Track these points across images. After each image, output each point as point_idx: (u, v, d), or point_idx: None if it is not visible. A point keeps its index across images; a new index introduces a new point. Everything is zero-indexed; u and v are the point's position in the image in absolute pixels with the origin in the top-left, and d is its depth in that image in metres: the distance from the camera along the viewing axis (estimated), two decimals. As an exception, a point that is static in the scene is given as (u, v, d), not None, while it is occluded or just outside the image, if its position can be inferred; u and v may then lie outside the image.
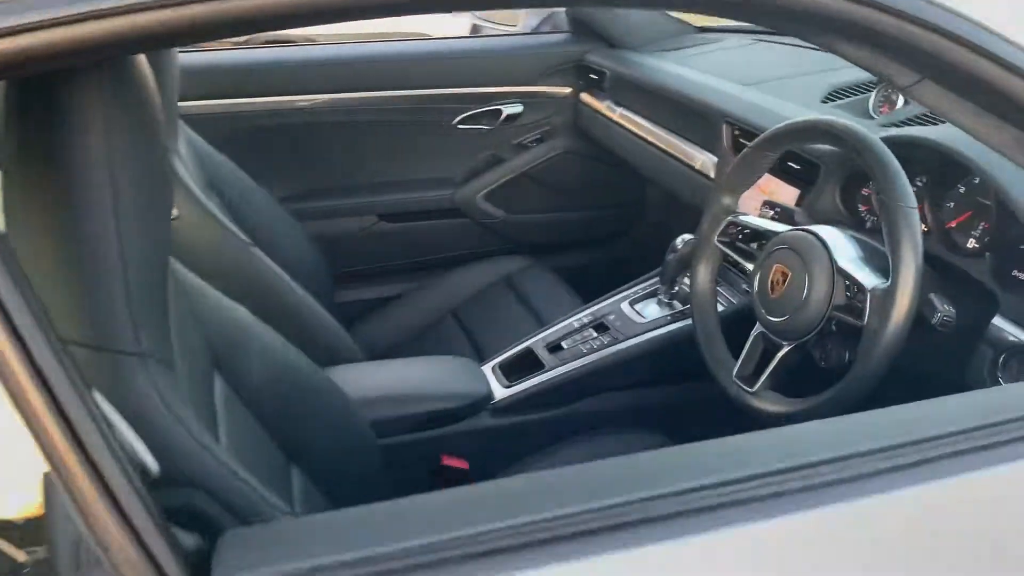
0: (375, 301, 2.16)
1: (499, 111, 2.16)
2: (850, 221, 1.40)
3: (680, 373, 1.60)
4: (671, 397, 1.61)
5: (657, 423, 1.58)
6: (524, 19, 2.37)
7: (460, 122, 2.15)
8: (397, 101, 2.07)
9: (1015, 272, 1.13)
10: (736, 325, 1.34)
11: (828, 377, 1.15)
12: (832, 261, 1.11)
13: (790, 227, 1.22)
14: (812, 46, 1.96)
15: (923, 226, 1.30)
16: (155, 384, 0.75)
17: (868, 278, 1.06)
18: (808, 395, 1.14)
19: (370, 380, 1.43)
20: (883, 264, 1.16)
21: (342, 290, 2.14)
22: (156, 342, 0.77)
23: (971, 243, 1.23)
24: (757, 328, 1.23)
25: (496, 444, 1.52)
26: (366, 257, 2.19)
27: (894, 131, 1.26)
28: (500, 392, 1.53)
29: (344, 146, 2.11)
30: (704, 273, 1.34)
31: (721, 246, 1.32)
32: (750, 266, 1.27)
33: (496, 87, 2.14)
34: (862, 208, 1.40)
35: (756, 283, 1.22)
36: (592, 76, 2.15)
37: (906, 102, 1.54)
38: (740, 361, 1.24)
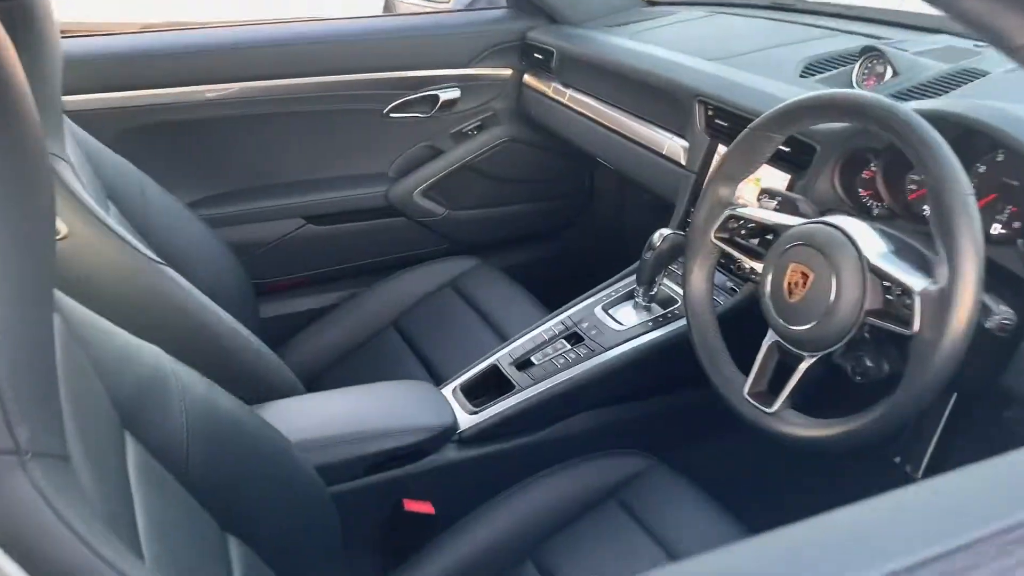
0: (304, 315, 1.93)
1: (435, 97, 1.95)
2: (853, 208, 1.25)
3: (666, 383, 1.44)
4: (656, 409, 1.45)
5: (643, 441, 1.41)
6: (456, -6, 2.17)
7: (392, 111, 1.93)
8: (319, 89, 1.83)
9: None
10: (731, 329, 1.18)
11: (857, 392, 1.00)
12: (863, 259, 0.96)
13: (803, 220, 1.05)
14: (774, 17, 1.84)
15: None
16: (39, 487, 0.54)
17: (913, 278, 0.90)
18: (829, 413, 0.98)
19: (315, 418, 1.21)
20: (920, 260, 1.01)
21: (266, 304, 1.91)
22: (39, 430, 0.55)
23: (997, 229, 1.09)
24: (770, 337, 1.07)
25: (463, 480, 1.32)
26: (292, 266, 1.95)
27: (914, 104, 1.11)
28: (465, 420, 1.33)
29: (261, 142, 1.86)
30: (700, 276, 1.17)
31: (719, 243, 1.15)
32: (755, 265, 1.10)
33: (430, 70, 1.93)
34: (863, 193, 1.25)
35: (768, 286, 1.06)
36: (537, 55, 1.96)
37: (895, 73, 1.41)
38: (752, 377, 1.08)
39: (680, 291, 1.43)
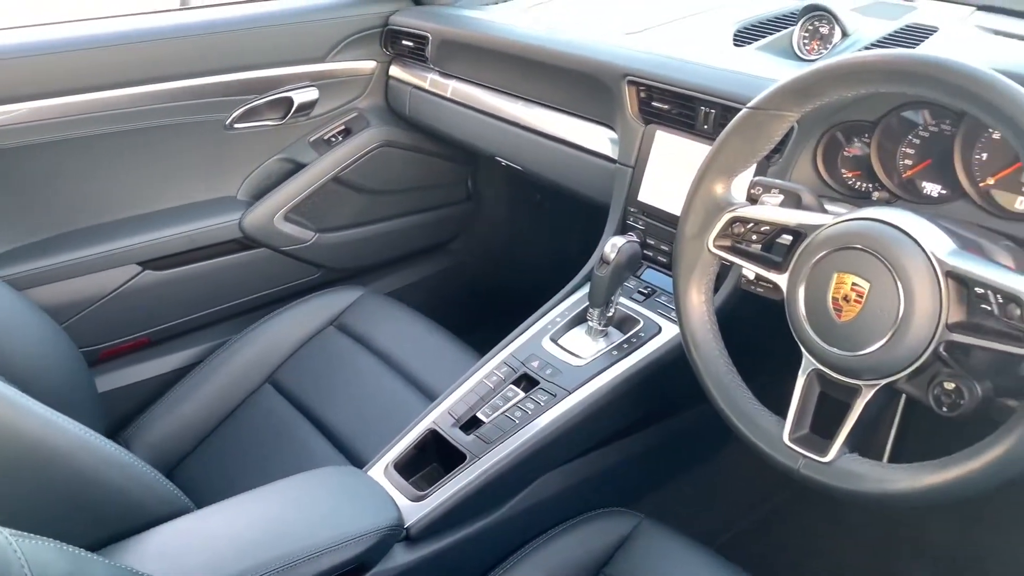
0: (153, 384, 1.55)
1: (288, 100, 1.62)
2: (843, 194, 1.07)
3: (643, 419, 1.21)
4: (634, 451, 1.22)
5: (624, 491, 1.18)
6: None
7: (236, 120, 1.58)
8: (141, 101, 1.45)
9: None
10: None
11: (945, 426, 0.80)
12: (934, 261, 0.76)
13: (838, 217, 0.84)
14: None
15: (938, 188, 1.00)
16: None
17: (1017, 281, 0.71)
18: (923, 457, 0.78)
19: (218, 547, 0.88)
20: (981, 244, 0.83)
21: (103, 376, 1.52)
22: None
23: (1021, 204, 0.94)
24: (808, 366, 0.85)
25: (421, 588, 1.03)
26: (131, 324, 1.56)
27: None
28: (411, 510, 1.04)
29: (72, 175, 1.45)
30: (698, 297, 0.94)
31: (720, 253, 0.92)
32: (774, 277, 0.88)
33: (279, 69, 1.59)
34: (848, 174, 1.07)
35: (802, 304, 0.84)
36: (406, 43, 1.67)
37: (844, 34, 1.24)
38: (791, 418, 0.86)
39: (640, 309, 1.21)
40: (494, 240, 2.01)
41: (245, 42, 1.55)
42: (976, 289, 0.73)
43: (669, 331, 1.16)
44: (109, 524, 0.89)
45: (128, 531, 0.89)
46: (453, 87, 1.60)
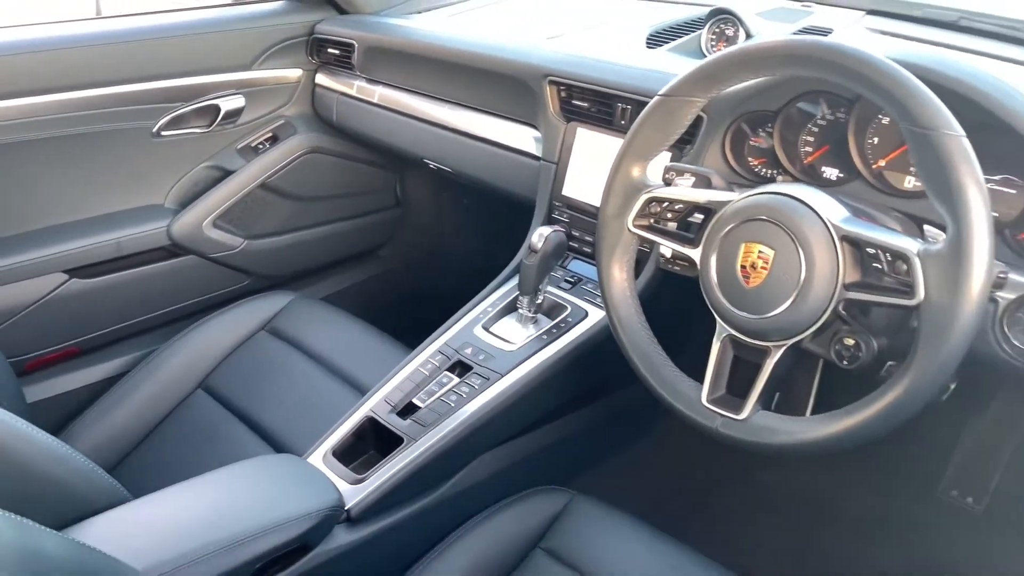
0: (84, 392, 1.53)
1: (214, 108, 1.63)
2: (749, 180, 1.14)
3: (572, 401, 1.26)
4: (565, 432, 1.27)
5: (556, 470, 1.23)
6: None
7: (163, 128, 1.58)
8: (67, 108, 1.45)
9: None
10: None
11: (851, 380, 0.88)
12: (830, 226, 0.83)
13: (743, 193, 0.91)
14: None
15: (835, 171, 1.09)
16: None
17: (902, 240, 0.79)
18: (825, 408, 0.85)
19: (161, 530, 0.90)
20: (874, 215, 0.91)
21: (32, 387, 1.49)
22: None
23: (909, 183, 1.03)
24: (722, 331, 0.92)
25: (362, 568, 1.06)
26: (59, 333, 1.54)
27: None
28: (350, 492, 1.06)
29: (-6, 181, 1.44)
30: (620, 274, 1.00)
31: (639, 232, 0.98)
32: (688, 251, 0.95)
33: (205, 76, 1.61)
34: (755, 162, 1.15)
35: (714, 272, 0.91)
36: (332, 51, 1.70)
37: (748, 36, 1.33)
38: (708, 381, 0.92)
39: (567, 296, 1.26)
40: (423, 245, 2.05)
41: (171, 50, 1.56)
42: (868, 250, 0.81)
43: (595, 316, 1.21)
44: (49, 515, 0.89)
45: (69, 521, 0.89)
46: (380, 93, 1.64)
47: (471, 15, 1.64)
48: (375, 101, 1.65)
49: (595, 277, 1.16)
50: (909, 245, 0.78)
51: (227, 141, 1.69)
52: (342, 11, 1.75)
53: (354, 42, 1.65)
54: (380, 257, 2.03)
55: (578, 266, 1.32)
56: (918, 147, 0.77)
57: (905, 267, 0.78)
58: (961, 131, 0.75)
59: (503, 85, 1.39)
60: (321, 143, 1.78)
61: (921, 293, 0.76)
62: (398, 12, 1.72)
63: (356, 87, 1.68)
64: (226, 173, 1.70)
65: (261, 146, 1.73)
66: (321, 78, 1.76)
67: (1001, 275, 0.80)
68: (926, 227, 0.85)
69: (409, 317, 1.85)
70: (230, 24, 1.65)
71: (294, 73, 1.74)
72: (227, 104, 1.65)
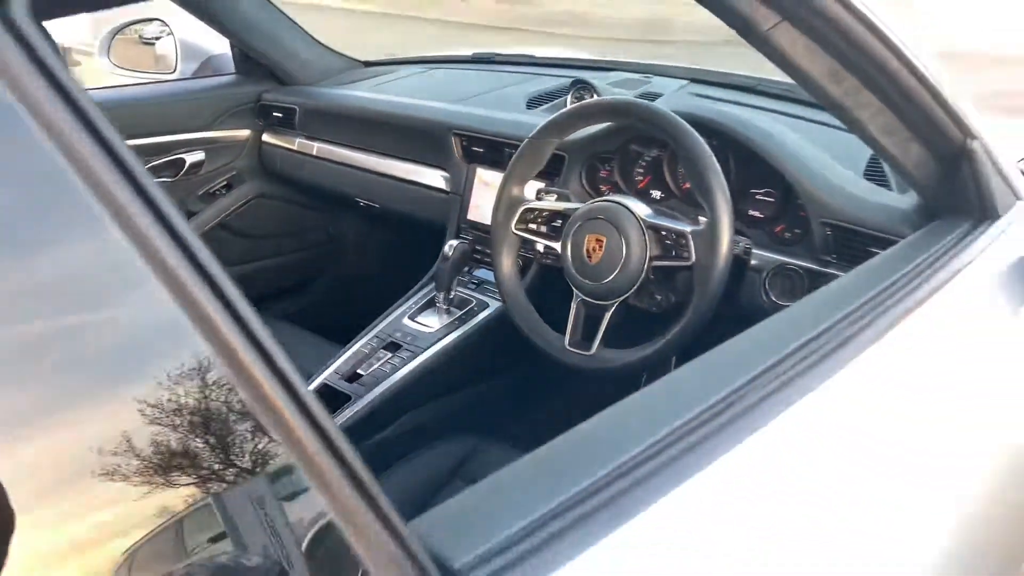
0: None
1: (180, 161, 1.99)
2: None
3: (476, 373, 1.64)
4: (476, 396, 1.64)
5: (469, 424, 1.60)
6: (180, 65, 2.20)
7: (139, 177, 1.93)
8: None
9: (750, 212, 1.40)
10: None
11: (658, 321, 1.30)
12: (640, 220, 1.26)
13: (586, 203, 1.34)
14: (480, 68, 2.17)
15: (659, 192, 1.53)
16: None
17: (681, 225, 1.23)
18: (643, 342, 1.27)
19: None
20: (674, 209, 1.35)
21: None
22: None
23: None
24: (576, 297, 1.34)
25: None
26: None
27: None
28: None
29: None
30: (508, 263, 1.41)
31: (520, 233, 1.40)
32: (552, 245, 1.37)
33: (173, 135, 1.97)
34: (604, 188, 1.59)
35: (570, 257, 1.33)
36: (276, 114, 2.09)
37: (600, 99, 1.78)
38: (568, 331, 1.33)
39: (473, 294, 1.67)
40: (353, 275, 2.42)
41: (146, 113, 1.92)
42: (663, 233, 1.25)
43: (493, 307, 1.62)
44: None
45: None
46: (318, 147, 2.03)
47: (389, 86, 2.06)
48: (314, 154, 2.04)
49: (493, 279, 1.57)
50: (685, 227, 1.22)
51: (191, 188, 2.04)
52: (283, 83, 2.15)
53: (296, 107, 2.04)
54: (314, 289, 2.38)
55: (481, 272, 1.72)
56: (687, 165, 1.22)
57: (684, 241, 1.22)
58: (711, 154, 1.20)
59: (418, 138, 1.81)
60: (267, 189, 2.16)
61: (693, 257, 1.20)
62: (330, 84, 2.13)
63: (297, 143, 2.07)
64: (190, 214, 2.05)
65: (218, 192, 2.09)
66: (267, 136, 2.14)
67: (747, 247, 1.25)
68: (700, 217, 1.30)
69: (339, 339, 2.21)
70: (192, 93, 2.03)
71: (244, 132, 2.12)
72: (190, 158, 2.01)
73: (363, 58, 2.30)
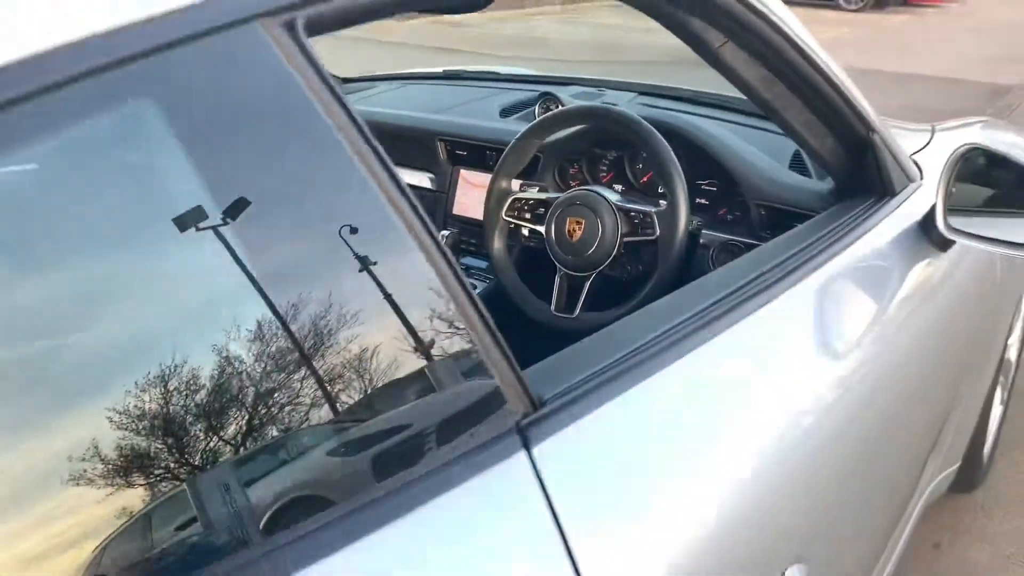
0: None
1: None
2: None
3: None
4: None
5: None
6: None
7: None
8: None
9: (698, 199, 1.69)
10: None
11: (629, 287, 1.57)
12: (611, 203, 1.54)
13: (565, 192, 1.61)
14: (453, 83, 2.43)
15: (620, 186, 1.81)
16: None
17: (646, 206, 1.50)
18: (617, 305, 1.54)
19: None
20: (637, 197, 1.63)
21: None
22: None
23: (661, 189, 1.76)
24: (560, 271, 1.60)
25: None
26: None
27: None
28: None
29: None
30: (499, 244, 1.67)
31: (509, 219, 1.66)
32: (538, 227, 1.63)
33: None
34: (573, 183, 1.86)
35: (553, 236, 1.59)
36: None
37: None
38: (554, 300, 1.59)
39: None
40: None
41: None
42: (632, 214, 1.52)
43: (481, 287, 1.87)
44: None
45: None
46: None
47: (376, 99, 2.30)
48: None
49: (480, 265, 1.82)
50: (650, 208, 1.50)
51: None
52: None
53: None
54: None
55: (468, 260, 1.98)
56: (651, 159, 1.50)
57: (649, 220, 1.49)
58: (670, 148, 1.48)
59: (406, 143, 2.06)
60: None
61: (657, 232, 1.48)
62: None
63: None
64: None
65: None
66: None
67: (699, 224, 1.54)
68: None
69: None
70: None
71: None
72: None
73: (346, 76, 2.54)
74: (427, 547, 0.64)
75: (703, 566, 0.82)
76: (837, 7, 15.86)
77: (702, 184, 1.68)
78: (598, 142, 1.79)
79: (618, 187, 1.79)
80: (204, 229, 0.56)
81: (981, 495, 2.21)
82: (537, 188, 1.69)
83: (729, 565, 0.87)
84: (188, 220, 0.56)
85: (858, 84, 1.30)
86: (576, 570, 0.68)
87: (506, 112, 2.11)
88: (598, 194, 1.55)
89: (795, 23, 1.14)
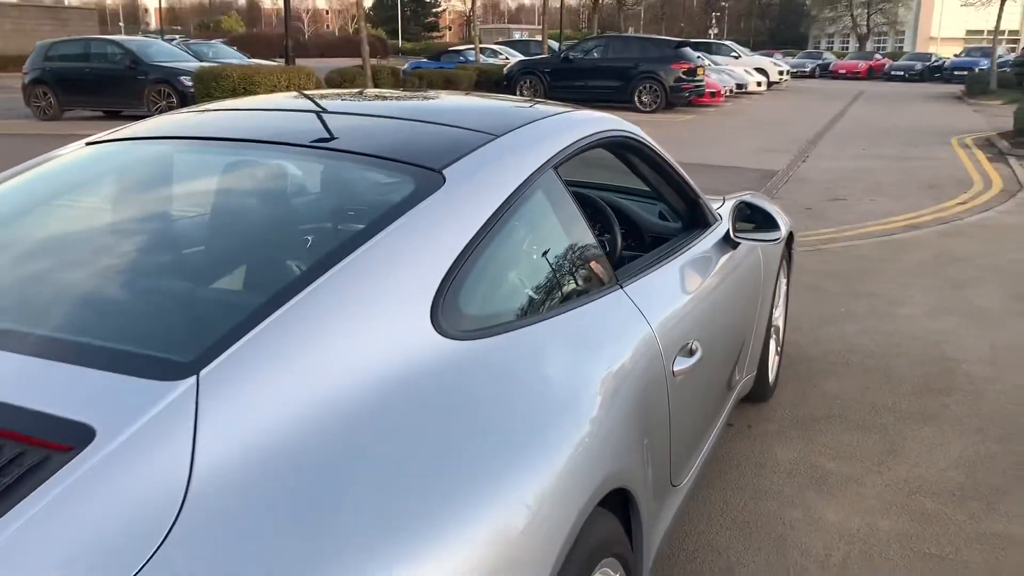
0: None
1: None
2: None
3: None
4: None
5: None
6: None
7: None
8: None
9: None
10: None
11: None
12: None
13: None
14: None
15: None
16: None
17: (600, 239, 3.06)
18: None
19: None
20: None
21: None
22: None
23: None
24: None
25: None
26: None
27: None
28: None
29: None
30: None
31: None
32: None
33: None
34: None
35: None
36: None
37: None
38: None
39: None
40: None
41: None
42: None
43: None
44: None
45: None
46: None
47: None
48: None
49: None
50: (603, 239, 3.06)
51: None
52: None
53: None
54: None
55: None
56: (596, 215, 3.07)
57: (604, 245, 3.05)
58: (609, 210, 3.06)
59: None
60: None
61: (606, 250, 3.04)
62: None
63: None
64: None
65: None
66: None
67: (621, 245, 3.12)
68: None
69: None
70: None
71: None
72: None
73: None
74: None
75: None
76: (635, 109, 18.76)
77: (621, 228, 3.27)
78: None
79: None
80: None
81: (762, 408, 3.90)
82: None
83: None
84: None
85: (691, 176, 2.97)
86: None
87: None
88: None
89: (663, 151, 2.77)
